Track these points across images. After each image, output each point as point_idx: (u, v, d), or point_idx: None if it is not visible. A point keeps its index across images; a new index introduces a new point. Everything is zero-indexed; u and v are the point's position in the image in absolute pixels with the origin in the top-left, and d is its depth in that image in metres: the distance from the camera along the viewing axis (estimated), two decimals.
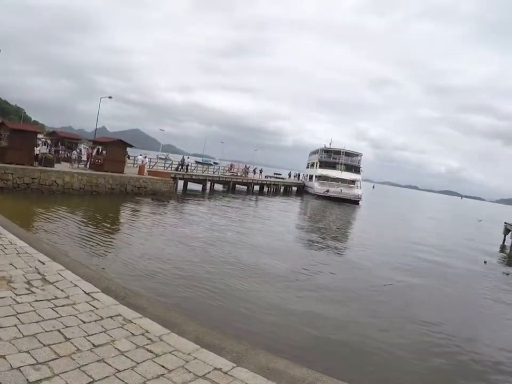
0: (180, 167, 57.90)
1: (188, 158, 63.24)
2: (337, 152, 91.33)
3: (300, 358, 9.26)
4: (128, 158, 45.39)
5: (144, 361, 6.06)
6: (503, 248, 44.64)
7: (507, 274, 28.67)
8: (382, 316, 15.17)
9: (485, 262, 31.08)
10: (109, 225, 24.15)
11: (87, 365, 5.66)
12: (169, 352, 6.48)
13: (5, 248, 10.28)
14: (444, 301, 19.00)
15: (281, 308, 14.07)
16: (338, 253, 26.14)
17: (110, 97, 61.77)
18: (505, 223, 50.22)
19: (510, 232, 45.87)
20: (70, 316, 7.10)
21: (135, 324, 7.33)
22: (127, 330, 7.00)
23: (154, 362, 6.09)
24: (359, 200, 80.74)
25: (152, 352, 6.39)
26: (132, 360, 6.02)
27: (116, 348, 6.31)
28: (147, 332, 7.08)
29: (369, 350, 11.81)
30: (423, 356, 12.01)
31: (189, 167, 59.04)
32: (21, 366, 5.30)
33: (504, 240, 47.82)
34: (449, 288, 21.50)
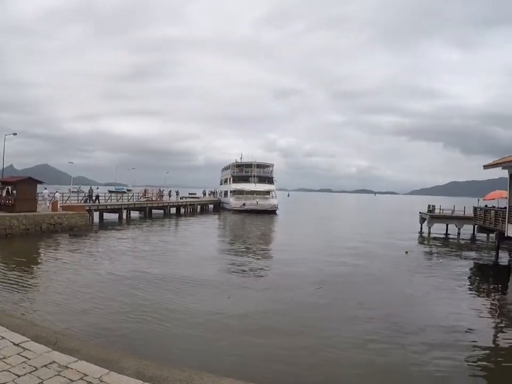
0: (89, 198, 56.21)
1: (97, 188, 61.56)
2: (249, 165, 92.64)
3: (242, 374, 9.32)
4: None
5: None
6: (421, 236, 46.95)
7: (430, 260, 30.28)
8: (317, 321, 15.43)
9: (406, 252, 32.68)
10: (29, 268, 23.03)
11: None
12: None
13: None
14: (373, 296, 19.48)
15: (217, 329, 14.02)
16: (266, 269, 25.95)
17: (14, 134, 59.40)
18: (420, 212, 52.85)
19: (426, 221, 48.21)
20: (2, 371, 6.77)
21: (71, 368, 7.11)
22: (64, 377, 6.78)
23: None
24: (276, 210, 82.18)
25: None
26: None
27: None
28: (85, 375, 6.89)
29: (312, 355, 11.99)
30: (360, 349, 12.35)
31: (99, 197, 56.89)
32: None
33: (421, 228, 50.23)
34: (375, 282, 22.45)
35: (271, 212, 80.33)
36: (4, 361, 7.16)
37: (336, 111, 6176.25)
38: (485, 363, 12.18)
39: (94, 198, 55.67)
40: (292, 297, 18.47)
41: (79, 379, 6.73)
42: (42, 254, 27.89)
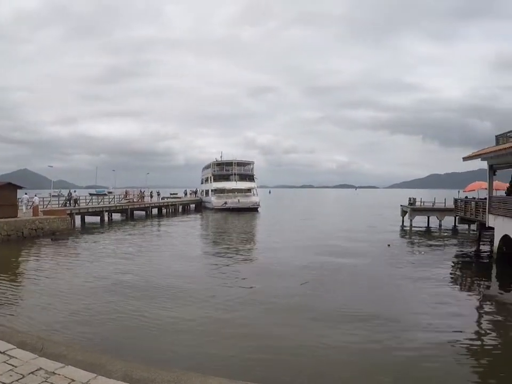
0: (67, 202, 55.05)
1: (75, 191, 60.85)
2: (229, 164, 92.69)
3: (232, 371, 9.36)
4: None
5: None
6: (403, 229, 47.39)
7: (412, 252, 30.94)
8: (305, 315, 15.52)
9: (388, 245, 33.05)
10: (12, 275, 22.87)
11: None
12: None
13: None
14: (358, 289, 19.68)
15: (204, 329, 13.99)
16: (250, 267, 25.99)
17: None
18: (401, 205, 53.29)
19: (407, 214, 48.62)
20: None
21: (59, 374, 7.05)
22: (52, 383, 6.73)
23: None
24: (257, 207, 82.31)
25: None
26: None
27: None
28: (73, 380, 6.84)
29: (301, 351, 12.01)
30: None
31: (78, 201, 56.05)
32: None
33: (403, 221, 50.65)
34: (359, 276, 22.58)
35: (253, 210, 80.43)
36: None
37: (313, 107, 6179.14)
38: (474, 347, 12.45)
39: (72, 201, 55.04)
40: (278, 294, 18.44)
41: None
42: (24, 260, 27.58)
